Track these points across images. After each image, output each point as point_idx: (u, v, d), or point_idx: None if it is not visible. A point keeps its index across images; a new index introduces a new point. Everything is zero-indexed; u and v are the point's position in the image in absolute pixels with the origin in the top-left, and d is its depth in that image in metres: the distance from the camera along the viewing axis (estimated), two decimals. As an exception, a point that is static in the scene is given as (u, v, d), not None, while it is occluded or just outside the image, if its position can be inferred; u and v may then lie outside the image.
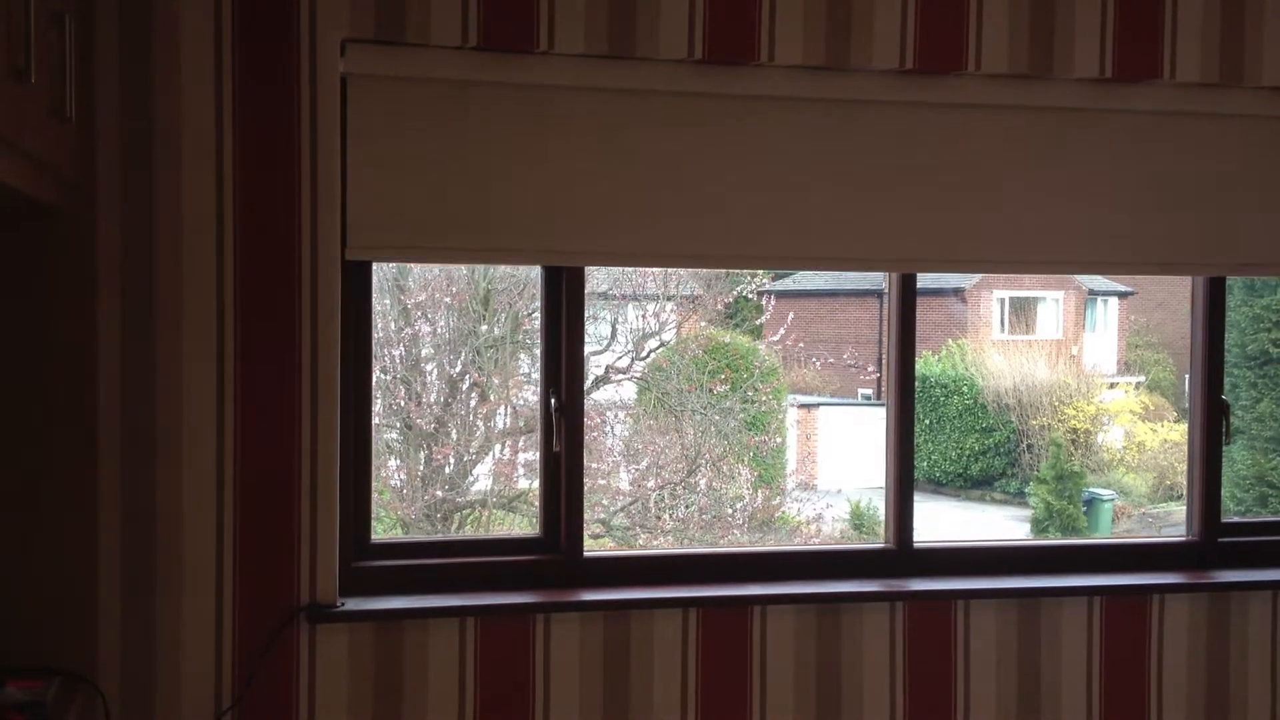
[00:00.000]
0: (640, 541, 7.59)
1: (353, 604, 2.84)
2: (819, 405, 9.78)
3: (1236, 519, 3.45)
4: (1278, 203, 3.28)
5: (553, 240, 2.96)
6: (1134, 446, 9.29)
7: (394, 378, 6.97)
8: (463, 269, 6.80)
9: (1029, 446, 9.41)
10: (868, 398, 10.34)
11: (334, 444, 2.81)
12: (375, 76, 2.83)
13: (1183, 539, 3.43)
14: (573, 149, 2.93)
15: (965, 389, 10.02)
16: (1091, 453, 9.25)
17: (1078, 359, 10.68)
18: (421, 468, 7.10)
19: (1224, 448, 3.42)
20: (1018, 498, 9.34)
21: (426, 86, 2.86)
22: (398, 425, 7.05)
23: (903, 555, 3.23)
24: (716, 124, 3.00)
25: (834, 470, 9.21)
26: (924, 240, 3.13)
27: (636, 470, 7.74)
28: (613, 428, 7.95)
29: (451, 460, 7.15)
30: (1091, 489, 8.72)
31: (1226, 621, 3.25)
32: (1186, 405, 3.44)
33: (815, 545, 3.25)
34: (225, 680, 2.78)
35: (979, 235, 3.16)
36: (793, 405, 9.27)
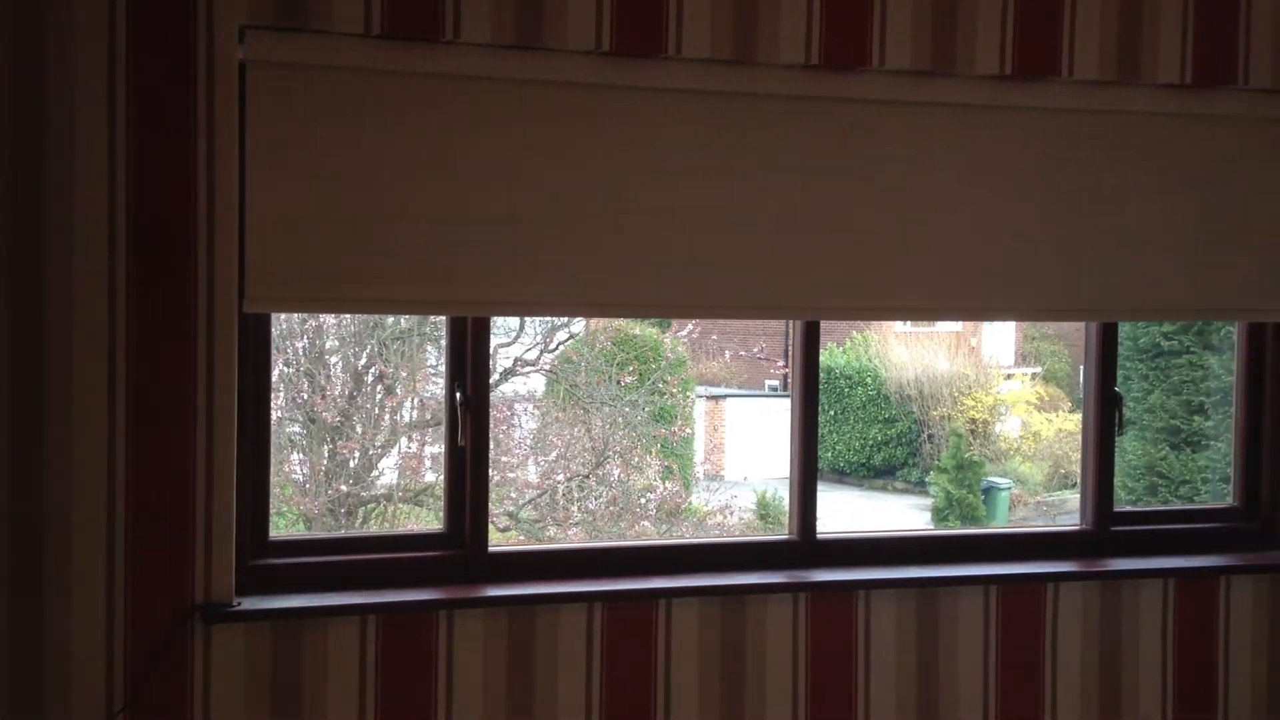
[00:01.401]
0: (550, 534, 7.57)
1: (249, 603, 2.79)
2: (726, 397, 9.84)
3: (1129, 508, 3.54)
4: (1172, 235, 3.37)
5: (458, 289, 2.94)
6: (1030, 436, 9.51)
7: (297, 370, 6.85)
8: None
9: (930, 437, 9.57)
10: (775, 389, 10.44)
11: (231, 439, 2.75)
12: (275, 64, 2.77)
13: (1077, 528, 3.51)
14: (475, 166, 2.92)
15: (869, 380, 10.17)
16: (990, 442, 9.45)
17: (976, 351, 10.88)
18: (325, 462, 6.99)
19: (1117, 438, 3.51)
20: (919, 487, 9.49)
21: (329, 75, 2.80)
22: (300, 419, 6.93)
23: (806, 546, 3.26)
24: (625, 116, 2.99)
25: (741, 461, 9.28)
26: (831, 288, 3.16)
27: (545, 462, 7.71)
28: (521, 420, 7.91)
29: (356, 454, 7.05)
30: (989, 478, 8.90)
31: (1119, 609, 3.33)
32: (1081, 396, 3.52)
33: (720, 538, 3.25)
34: (117, 681, 2.72)
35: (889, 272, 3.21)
36: (701, 397, 9.32)
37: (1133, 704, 3.35)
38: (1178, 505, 6.59)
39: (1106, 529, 3.46)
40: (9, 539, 2.65)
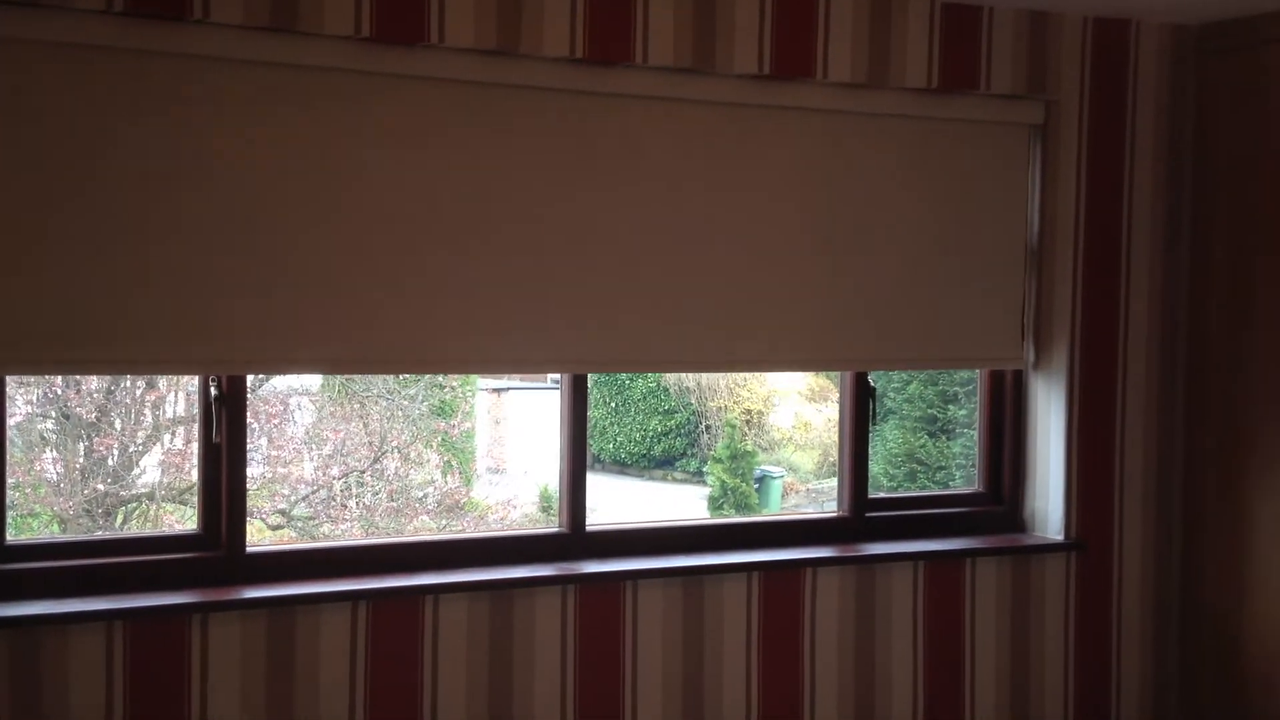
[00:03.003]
0: (324, 530, 7.39)
1: (-20, 612, 2.62)
2: (508, 390, 9.81)
3: (884, 494, 3.71)
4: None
5: (214, 346, 2.84)
6: (801, 426, 9.81)
7: (50, 363, 6.47)
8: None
9: (708, 427, 9.76)
10: (556, 383, 10.47)
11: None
12: (7, 39, 2.60)
13: (835, 514, 3.64)
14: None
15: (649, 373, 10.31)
16: (764, 432, 9.70)
17: (754, 344, 11.15)
18: (81, 459, 6.63)
19: (875, 428, 3.66)
20: (697, 476, 9.68)
21: (66, 53, 2.65)
22: (54, 414, 6.55)
23: (576, 538, 3.28)
24: (382, 103, 2.94)
25: (523, 454, 9.27)
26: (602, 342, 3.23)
27: (320, 458, 7.52)
28: (295, 415, 7.69)
29: (115, 451, 6.72)
30: (763, 467, 9.15)
31: (873, 591, 3.48)
32: (845, 388, 3.67)
33: (491, 531, 3.25)
34: None
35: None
36: (483, 390, 9.25)
37: (886, 683, 3.50)
38: (932, 491, 6.93)
39: (862, 515, 3.61)
40: None
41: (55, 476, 6.62)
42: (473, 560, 3.17)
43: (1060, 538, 3.67)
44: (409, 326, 3.01)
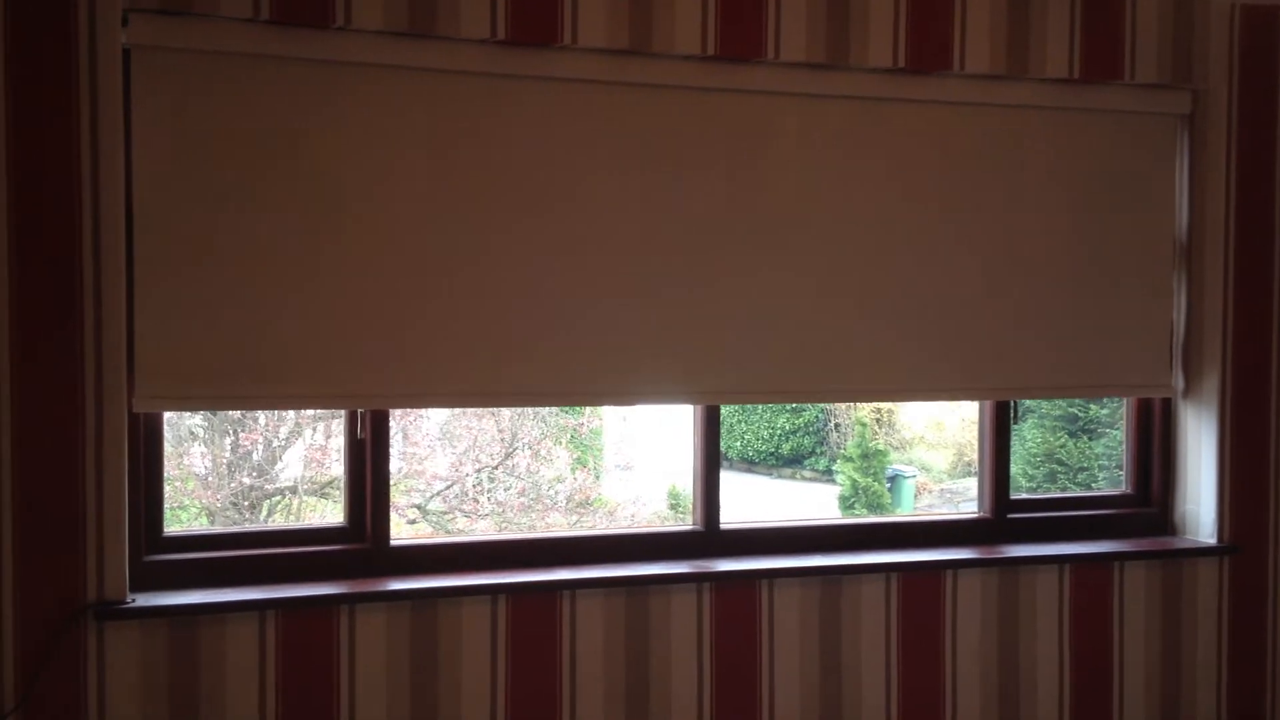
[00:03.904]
0: (458, 525, 7.51)
1: (144, 600, 2.73)
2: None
3: (1025, 495, 3.61)
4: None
5: (360, 381, 2.90)
6: (934, 425, 9.66)
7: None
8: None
9: (836, 426, 9.67)
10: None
11: (121, 432, 2.68)
12: (160, 49, 2.70)
13: (975, 515, 3.57)
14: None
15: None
16: (894, 431, 9.58)
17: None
18: (228, 454, 6.87)
19: (1014, 427, 3.58)
20: (826, 475, 9.59)
21: (214, 61, 2.75)
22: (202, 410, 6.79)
23: (710, 536, 3.27)
24: (517, 102, 2.97)
25: (651, 452, 9.29)
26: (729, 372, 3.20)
27: (454, 454, 7.66)
28: (429, 412, 7.84)
29: (260, 446, 6.93)
30: (895, 466, 9.03)
31: (1016, 595, 3.40)
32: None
33: (625, 529, 3.25)
34: (7, 682, 2.64)
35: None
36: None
37: (1030, 687, 3.42)
38: (1074, 492, 6.75)
39: (1003, 516, 3.53)
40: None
41: (204, 470, 6.87)
42: (607, 557, 3.19)
43: (1213, 541, 3.54)
44: (547, 360, 3.04)
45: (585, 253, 3.05)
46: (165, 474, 2.90)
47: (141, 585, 2.79)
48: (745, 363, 3.19)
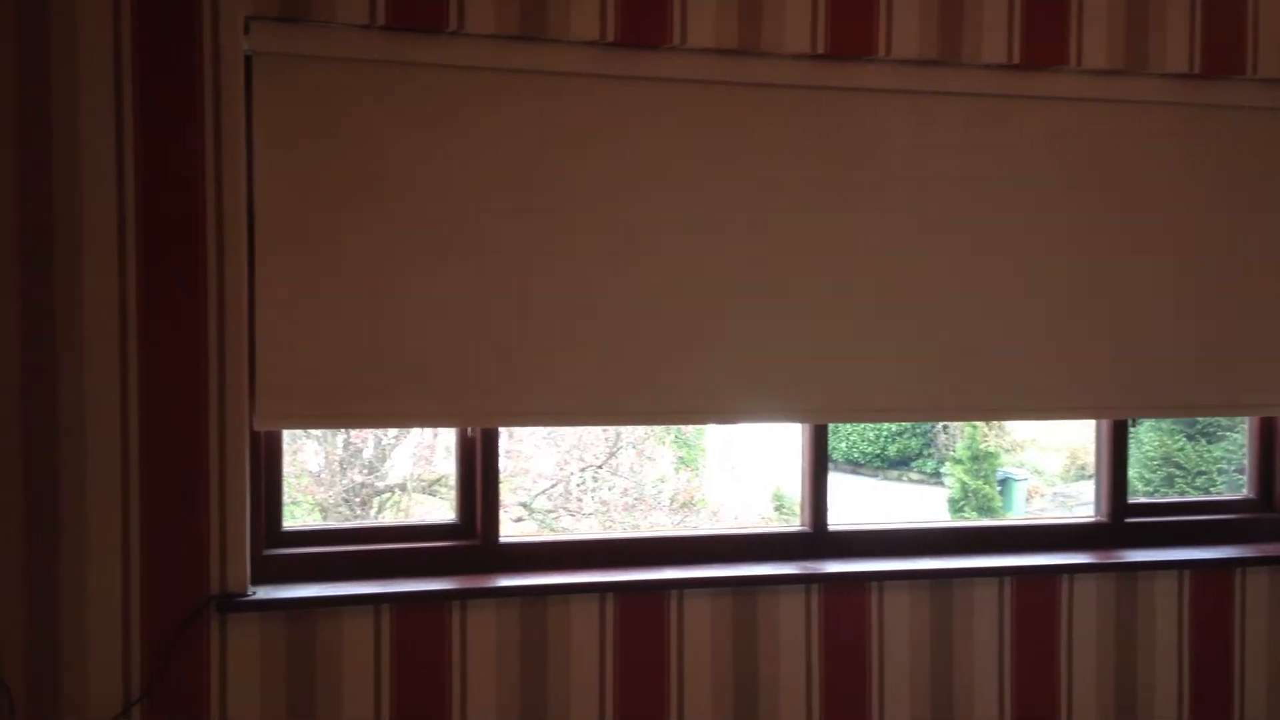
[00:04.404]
0: (563, 524, 7.57)
1: (264, 592, 2.80)
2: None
3: (1144, 499, 3.52)
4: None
5: (474, 398, 2.93)
6: (1045, 427, 9.47)
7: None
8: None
9: (945, 427, 9.53)
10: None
11: (243, 430, 2.75)
12: (280, 55, 2.77)
13: (1091, 519, 3.49)
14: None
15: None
16: (1005, 433, 9.41)
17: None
18: (340, 451, 7.02)
19: (1131, 430, 3.49)
20: (934, 477, 9.47)
21: (333, 66, 2.80)
22: (315, 408, 6.93)
23: (818, 538, 3.25)
24: (626, 109, 2.98)
25: (755, 452, 9.26)
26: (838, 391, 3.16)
27: (559, 452, 7.72)
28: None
29: (371, 443, 7.07)
30: (1005, 469, 8.87)
31: (1134, 600, 3.32)
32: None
33: (732, 529, 3.24)
34: (134, 672, 2.73)
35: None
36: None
37: (1148, 695, 3.34)
38: (1193, 496, 6.56)
39: (1121, 520, 3.45)
40: (26, 535, 2.66)
41: (316, 467, 7.03)
42: (714, 557, 3.19)
43: (1342, 548, 3.42)
44: (653, 378, 3.03)
45: (693, 269, 3.05)
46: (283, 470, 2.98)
47: (261, 578, 2.87)
48: (856, 380, 3.15)
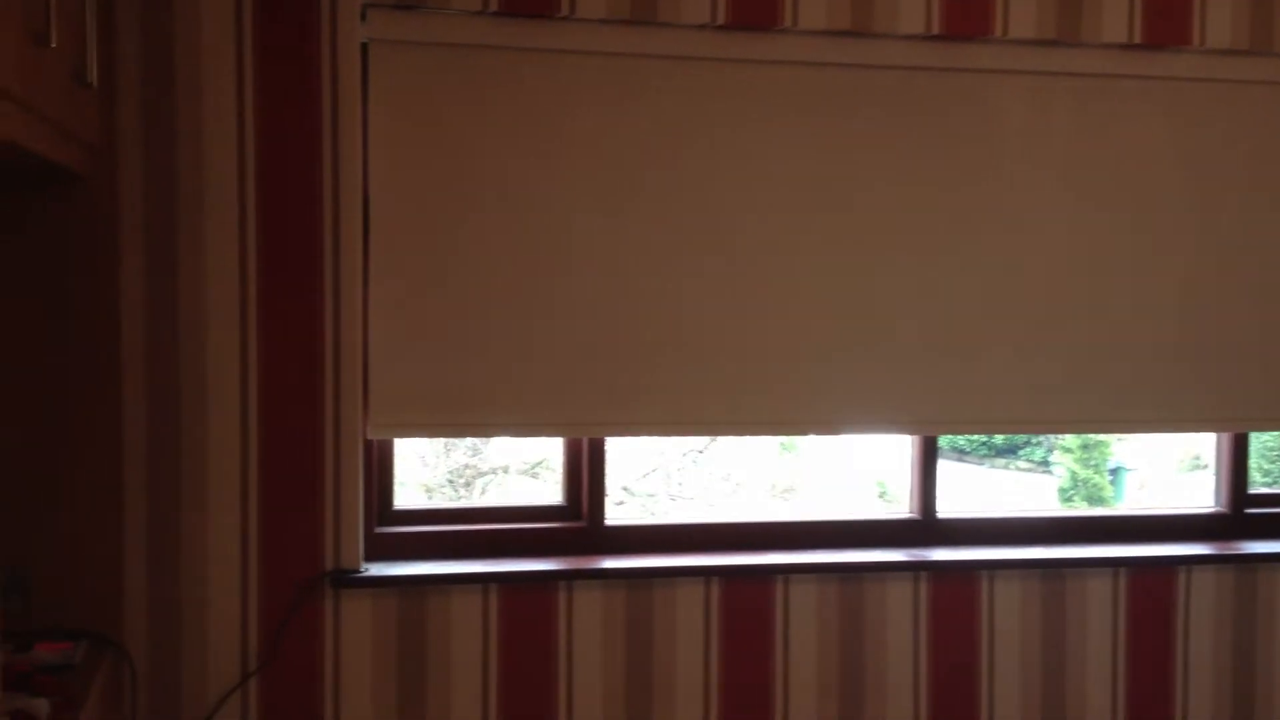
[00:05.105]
0: (664, 507, 7.60)
1: (376, 569, 2.86)
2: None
3: (1264, 490, 3.41)
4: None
5: (578, 410, 2.94)
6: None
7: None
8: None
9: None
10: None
11: (357, 410, 2.81)
12: (396, 42, 2.80)
13: (1210, 510, 3.39)
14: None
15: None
16: (1117, 422, 9.19)
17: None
18: (445, 433, 7.11)
19: (1253, 419, 3.38)
20: (1042, 466, 9.29)
21: (447, 53, 2.83)
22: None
23: (927, 525, 3.21)
24: (738, 95, 2.97)
25: (857, 439, 9.18)
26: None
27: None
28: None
29: (474, 426, 7.15)
30: (1117, 458, 8.67)
31: (1254, 593, 3.23)
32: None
33: (839, 515, 3.21)
34: (251, 644, 2.80)
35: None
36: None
37: (1268, 691, 3.24)
38: (1316, 488, 6.33)
39: (1241, 511, 3.35)
40: (148, 512, 2.75)
41: (422, 450, 7.15)
42: (820, 542, 3.17)
43: None
44: (757, 387, 3.01)
45: (797, 268, 3.01)
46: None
47: (372, 555, 2.93)
48: (966, 389, 3.10)
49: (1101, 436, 8.53)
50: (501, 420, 2.93)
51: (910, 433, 3.14)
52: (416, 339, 2.85)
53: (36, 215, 2.57)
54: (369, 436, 2.86)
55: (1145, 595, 3.18)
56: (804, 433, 3.14)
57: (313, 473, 2.79)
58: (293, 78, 2.73)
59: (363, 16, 2.76)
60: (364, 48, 2.79)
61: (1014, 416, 3.15)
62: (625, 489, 7.68)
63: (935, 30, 2.98)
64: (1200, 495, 3.62)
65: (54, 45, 1.89)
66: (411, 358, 2.85)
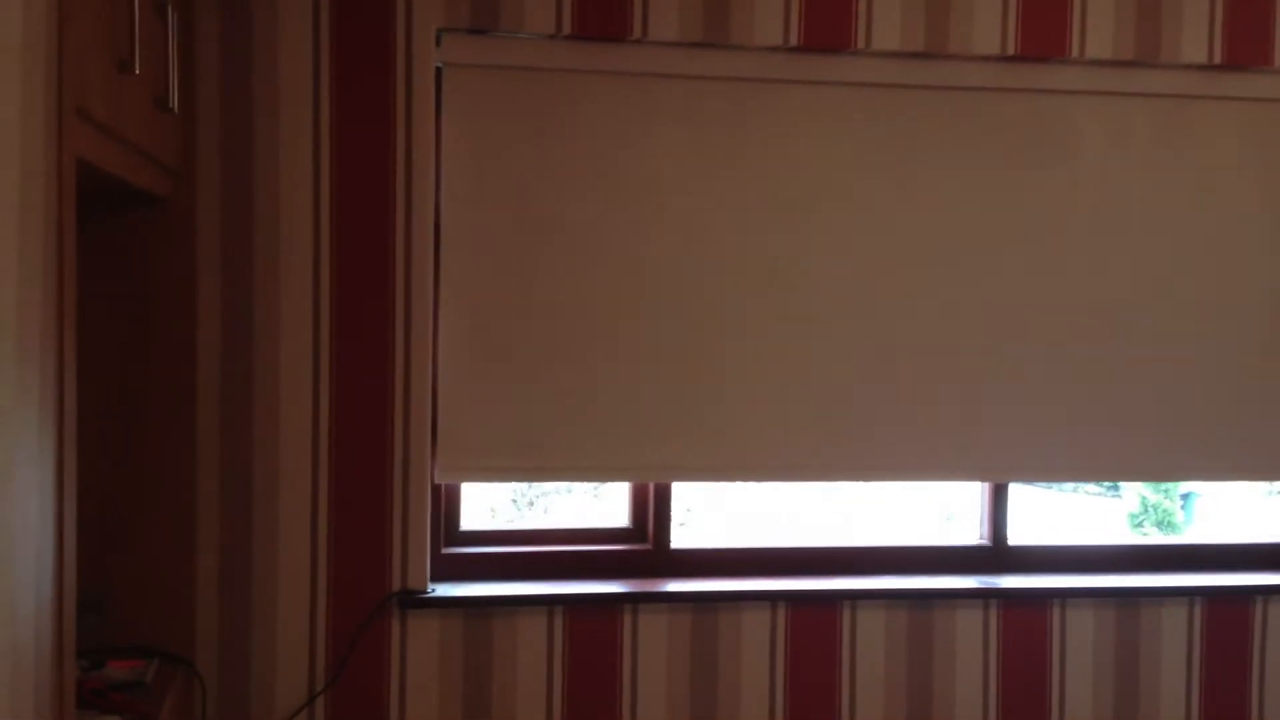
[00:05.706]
0: (724, 530, 7.56)
1: (443, 590, 2.87)
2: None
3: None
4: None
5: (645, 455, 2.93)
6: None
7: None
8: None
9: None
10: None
11: (426, 433, 2.82)
12: (469, 66, 2.83)
13: (1289, 540, 3.32)
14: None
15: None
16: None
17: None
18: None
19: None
20: (1111, 490, 9.14)
21: (519, 76, 2.85)
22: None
23: (997, 552, 3.16)
24: (812, 116, 2.96)
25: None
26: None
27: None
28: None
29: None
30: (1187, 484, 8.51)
31: (1336, 627, 3.14)
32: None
33: (907, 541, 3.18)
34: (319, 663, 2.82)
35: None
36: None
37: (1351, 729, 3.15)
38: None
39: (1323, 542, 3.27)
40: (220, 533, 2.78)
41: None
42: (888, 568, 3.14)
43: None
44: (822, 433, 2.99)
45: (865, 309, 3.00)
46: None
47: (438, 576, 2.94)
48: (1039, 435, 3.05)
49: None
50: (569, 465, 2.93)
51: (972, 480, 3.10)
52: (483, 379, 2.86)
53: (118, 236, 2.62)
54: (436, 481, 2.87)
55: (1221, 625, 3.11)
56: (865, 479, 3.09)
57: (380, 497, 2.81)
58: (368, 103, 2.76)
59: (437, 41, 2.79)
60: (438, 72, 2.82)
61: (1083, 465, 3.11)
62: (687, 510, 7.66)
63: (1011, 51, 2.95)
64: (1273, 521, 3.53)
65: (138, 72, 1.93)
66: (479, 399, 2.86)
